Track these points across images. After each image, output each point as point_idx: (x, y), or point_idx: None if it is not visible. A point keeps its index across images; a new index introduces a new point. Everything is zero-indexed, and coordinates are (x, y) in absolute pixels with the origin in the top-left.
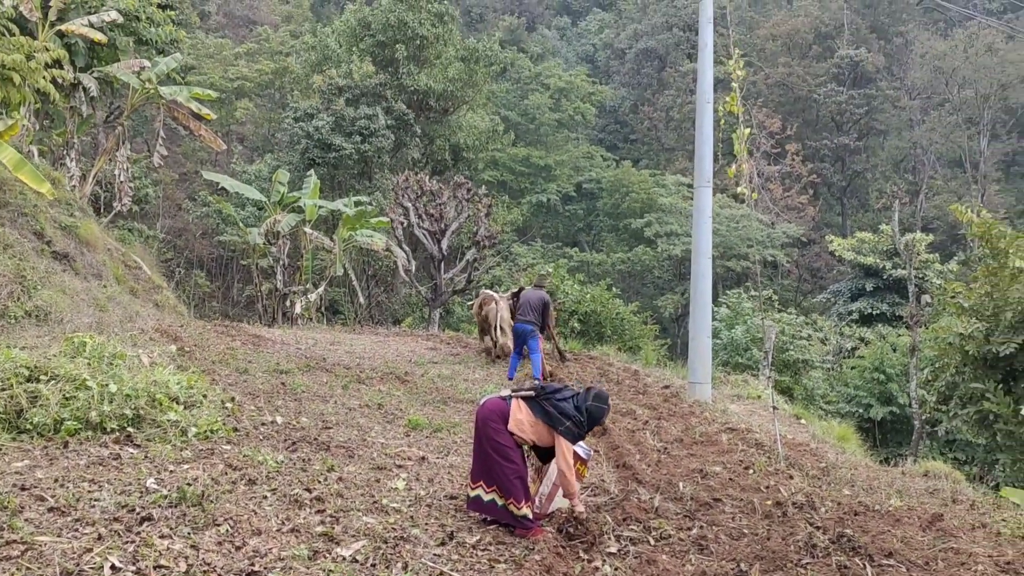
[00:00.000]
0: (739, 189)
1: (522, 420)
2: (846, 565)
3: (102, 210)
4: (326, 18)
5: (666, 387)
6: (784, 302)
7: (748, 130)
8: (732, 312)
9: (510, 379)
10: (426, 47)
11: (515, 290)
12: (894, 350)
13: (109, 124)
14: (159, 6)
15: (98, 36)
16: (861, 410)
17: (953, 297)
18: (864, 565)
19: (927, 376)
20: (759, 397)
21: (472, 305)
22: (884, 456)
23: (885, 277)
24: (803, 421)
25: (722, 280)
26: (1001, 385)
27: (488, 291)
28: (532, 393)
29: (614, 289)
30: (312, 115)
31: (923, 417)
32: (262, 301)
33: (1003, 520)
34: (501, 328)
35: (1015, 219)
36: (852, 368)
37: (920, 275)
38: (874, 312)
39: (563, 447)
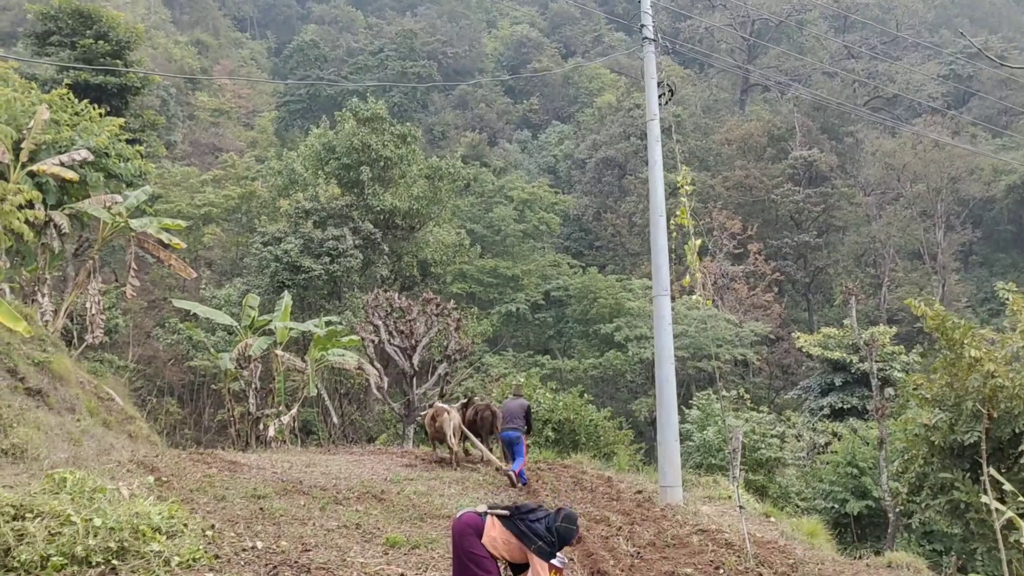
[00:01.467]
0: (694, 297)
1: (495, 537)
2: None
3: (74, 342)
4: (290, 142)
5: (639, 492)
6: (756, 400)
7: (699, 240)
8: (703, 414)
9: (523, 482)
10: (390, 167)
11: (464, 401)
12: (866, 443)
13: (78, 257)
14: (127, 141)
15: (69, 174)
16: (837, 505)
17: (915, 389)
18: None
19: (898, 468)
20: (729, 497)
21: (423, 417)
22: (861, 552)
23: (853, 371)
24: (772, 519)
25: (694, 381)
26: (969, 474)
27: (439, 403)
28: (507, 512)
29: (587, 395)
30: (280, 238)
31: (897, 509)
32: (235, 425)
33: None
34: (454, 436)
35: (977, 307)
36: (826, 464)
37: (886, 367)
38: (845, 406)
39: (536, 564)
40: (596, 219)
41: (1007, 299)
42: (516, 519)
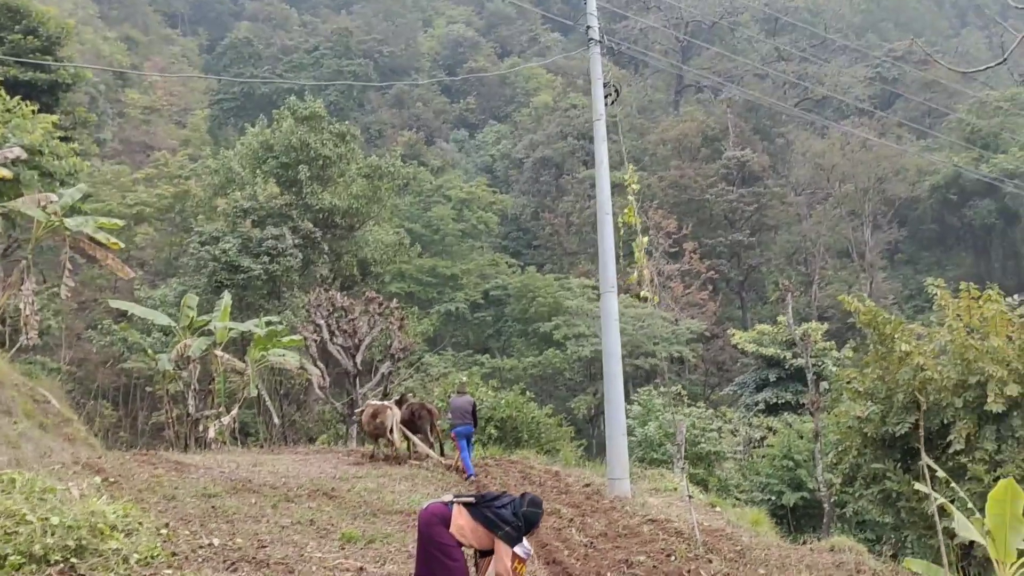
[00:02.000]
0: (642, 294)
1: (463, 526)
2: None
3: (6, 344)
4: (224, 141)
5: (587, 485)
6: (693, 396)
7: (646, 238)
8: (644, 409)
9: (471, 476)
10: (329, 166)
11: (397, 399)
12: (800, 437)
13: (7, 258)
14: (60, 138)
15: (3, 172)
16: (774, 497)
17: (848, 383)
18: None
19: (832, 459)
20: (675, 489)
21: (360, 415)
22: (804, 539)
23: (787, 367)
24: (718, 509)
25: (632, 379)
26: (900, 464)
27: (376, 401)
28: (472, 500)
29: (528, 393)
30: (218, 238)
31: (831, 500)
32: (172, 428)
33: None
34: (395, 432)
35: (903, 303)
36: (762, 457)
37: (819, 362)
38: (779, 401)
39: (501, 551)
40: (534, 219)
41: (935, 295)
42: (482, 507)
